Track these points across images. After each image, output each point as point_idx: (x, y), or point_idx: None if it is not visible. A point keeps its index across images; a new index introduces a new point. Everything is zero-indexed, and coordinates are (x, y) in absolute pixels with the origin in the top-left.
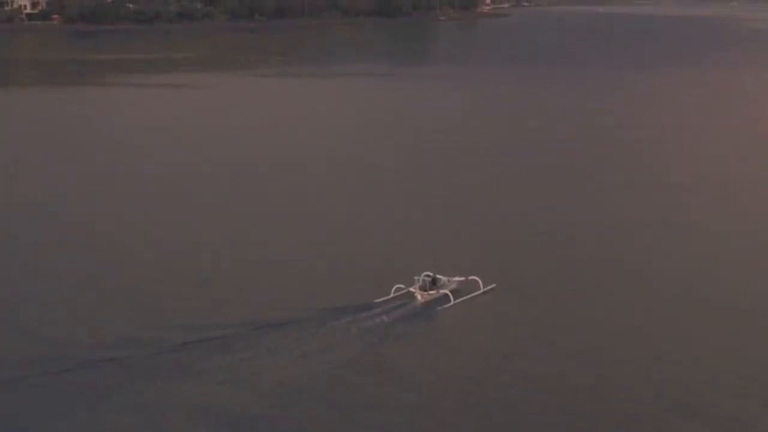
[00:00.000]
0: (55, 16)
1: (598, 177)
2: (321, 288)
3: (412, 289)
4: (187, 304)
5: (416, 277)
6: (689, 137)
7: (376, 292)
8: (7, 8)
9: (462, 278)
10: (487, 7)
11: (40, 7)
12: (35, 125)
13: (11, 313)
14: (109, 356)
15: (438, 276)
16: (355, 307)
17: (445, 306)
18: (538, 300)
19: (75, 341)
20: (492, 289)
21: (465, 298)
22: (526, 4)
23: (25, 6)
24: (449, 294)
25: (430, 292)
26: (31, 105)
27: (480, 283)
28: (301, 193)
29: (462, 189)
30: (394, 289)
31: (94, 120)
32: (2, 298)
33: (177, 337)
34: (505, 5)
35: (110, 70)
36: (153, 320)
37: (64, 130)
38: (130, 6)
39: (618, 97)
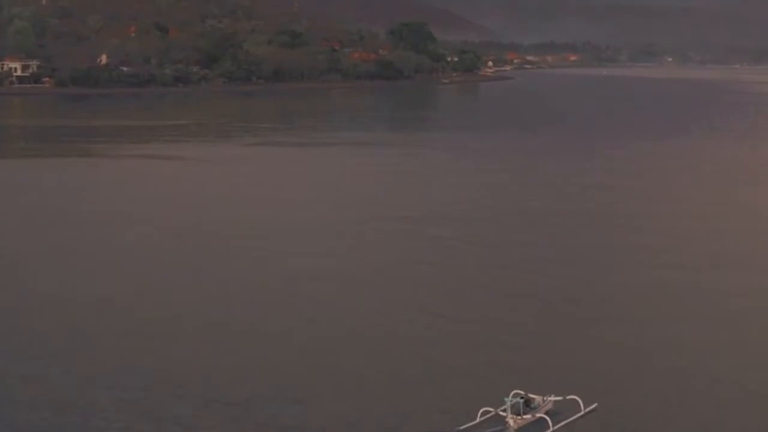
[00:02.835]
0: (46, 79)
1: (677, 261)
2: (394, 413)
3: (501, 412)
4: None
5: (505, 398)
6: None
7: (458, 417)
8: None
9: (559, 398)
10: (490, 70)
11: (30, 70)
12: (30, 201)
13: None
14: None
15: (531, 395)
16: None
17: None
18: (648, 422)
19: None
20: (594, 410)
21: (566, 422)
22: (528, 66)
23: (15, 69)
24: (547, 418)
25: (524, 416)
26: (17, 178)
27: (580, 402)
28: (349, 298)
29: (537, 284)
30: (480, 412)
31: (85, 194)
32: None
33: None
34: (507, 68)
35: (100, 139)
36: None
37: (64, 206)
38: (124, 69)
39: (643, 173)
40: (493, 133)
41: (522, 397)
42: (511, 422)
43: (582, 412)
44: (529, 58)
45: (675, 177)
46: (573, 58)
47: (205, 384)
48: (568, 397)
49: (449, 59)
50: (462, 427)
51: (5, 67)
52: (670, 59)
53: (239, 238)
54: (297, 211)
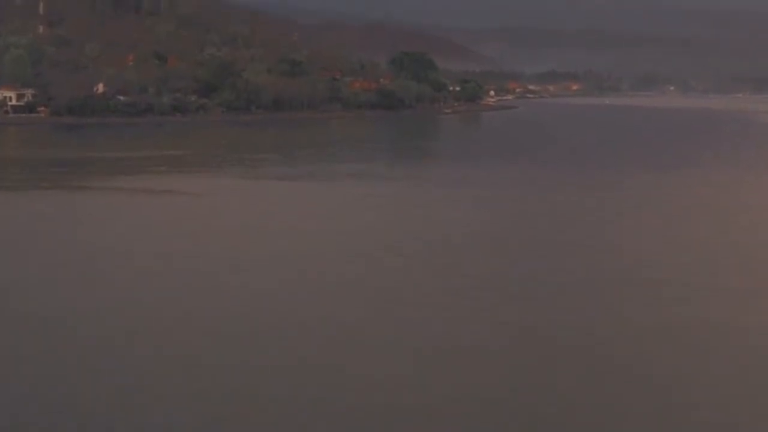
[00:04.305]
0: (41, 108)
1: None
2: None
3: None
4: None
5: None
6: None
7: None
8: None
9: None
10: (492, 99)
11: (26, 99)
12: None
13: None
14: None
15: None
16: None
17: None
18: None
19: None
20: None
21: None
22: (530, 95)
23: (10, 98)
24: None
25: None
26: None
27: None
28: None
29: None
30: None
31: (69, 229)
32: None
33: None
34: (509, 97)
35: (93, 170)
36: None
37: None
38: (121, 98)
39: (654, 206)
40: (498, 164)
41: None
42: None
43: None
44: (531, 87)
45: (689, 210)
46: (575, 87)
47: None
48: None
49: (451, 88)
50: None
51: (0, 97)
52: (672, 88)
53: (250, 268)
54: (287, 243)
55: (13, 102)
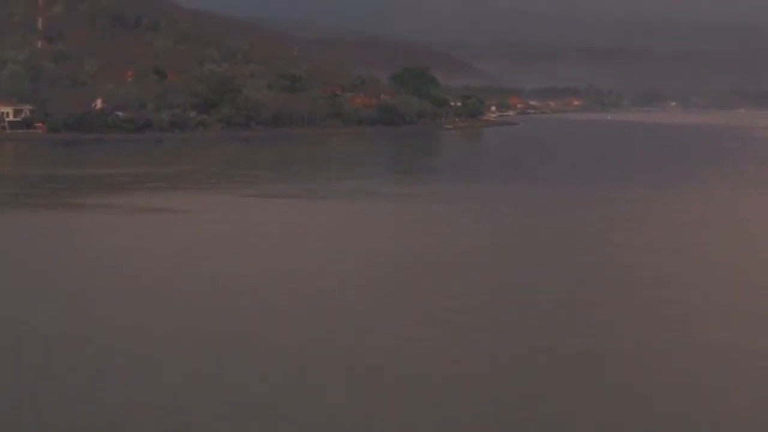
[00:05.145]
0: (38, 124)
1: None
2: None
3: None
4: None
5: None
6: None
7: None
8: None
9: None
10: (493, 115)
11: (23, 115)
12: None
13: None
14: None
15: None
16: None
17: None
18: None
19: None
20: None
21: None
22: (531, 111)
23: (7, 113)
24: None
25: None
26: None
27: None
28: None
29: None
30: None
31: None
32: None
33: None
34: (511, 113)
35: (91, 188)
36: None
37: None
38: (120, 114)
39: (662, 226)
40: (499, 180)
41: None
42: None
43: None
44: (532, 102)
45: (689, 226)
46: (576, 102)
47: None
48: None
49: (452, 104)
50: None
51: None
52: (673, 104)
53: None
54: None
55: (11, 118)
